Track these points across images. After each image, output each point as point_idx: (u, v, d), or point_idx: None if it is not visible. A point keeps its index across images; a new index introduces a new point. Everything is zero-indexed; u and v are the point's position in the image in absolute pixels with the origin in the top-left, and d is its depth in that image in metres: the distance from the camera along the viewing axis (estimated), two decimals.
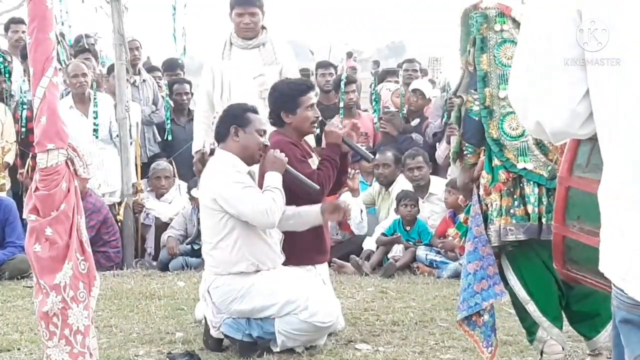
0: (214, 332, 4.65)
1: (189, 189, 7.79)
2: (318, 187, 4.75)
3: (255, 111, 4.76)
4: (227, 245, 4.53)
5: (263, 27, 5.91)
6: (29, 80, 7.79)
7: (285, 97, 4.95)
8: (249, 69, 5.80)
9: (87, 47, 9.13)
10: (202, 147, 5.99)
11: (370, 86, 9.50)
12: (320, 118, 5.10)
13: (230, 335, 4.58)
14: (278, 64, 5.82)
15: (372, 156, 5.21)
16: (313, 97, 5.04)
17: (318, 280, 4.89)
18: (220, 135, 4.72)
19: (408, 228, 7.34)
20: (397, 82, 9.53)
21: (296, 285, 4.57)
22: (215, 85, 5.93)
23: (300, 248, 4.82)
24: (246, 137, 4.62)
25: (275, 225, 4.57)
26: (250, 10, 5.81)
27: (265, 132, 4.74)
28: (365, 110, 9.25)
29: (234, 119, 4.66)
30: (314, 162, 4.99)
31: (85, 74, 7.76)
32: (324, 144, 5.34)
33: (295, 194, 4.75)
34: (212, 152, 5.55)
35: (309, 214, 4.74)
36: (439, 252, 7.07)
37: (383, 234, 7.43)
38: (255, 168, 4.76)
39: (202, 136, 6.07)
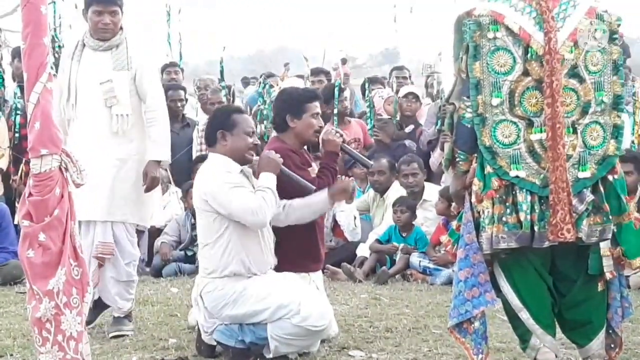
0: (205, 337, 4.64)
1: (184, 194, 7.79)
2: (313, 187, 4.78)
3: (241, 112, 4.88)
4: (219, 245, 4.55)
5: (121, 28, 5.29)
6: None
7: (293, 101, 5.03)
8: (97, 74, 5.21)
9: None
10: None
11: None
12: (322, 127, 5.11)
13: (223, 342, 4.57)
14: (130, 70, 5.23)
15: (371, 162, 5.32)
16: (319, 106, 5.08)
17: (312, 286, 4.90)
18: (210, 141, 4.77)
19: (404, 234, 7.34)
20: (380, 88, 9.57)
21: (288, 289, 4.57)
22: (63, 88, 5.22)
23: (294, 256, 4.83)
24: (234, 140, 4.66)
25: (266, 224, 4.60)
26: (111, 9, 5.20)
27: (254, 132, 4.78)
28: (353, 116, 9.24)
29: (220, 124, 4.72)
30: (313, 170, 5.02)
31: None
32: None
33: (290, 195, 4.76)
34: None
35: (317, 202, 4.80)
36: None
37: (377, 240, 7.43)
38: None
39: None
